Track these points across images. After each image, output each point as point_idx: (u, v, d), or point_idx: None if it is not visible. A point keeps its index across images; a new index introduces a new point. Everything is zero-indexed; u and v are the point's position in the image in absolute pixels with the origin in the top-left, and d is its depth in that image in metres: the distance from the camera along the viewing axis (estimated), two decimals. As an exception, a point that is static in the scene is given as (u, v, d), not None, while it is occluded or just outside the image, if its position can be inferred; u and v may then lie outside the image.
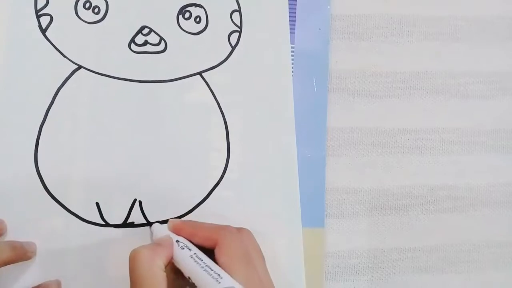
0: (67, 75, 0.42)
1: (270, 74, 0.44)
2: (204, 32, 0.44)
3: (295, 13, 0.45)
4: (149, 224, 0.41)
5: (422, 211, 0.46)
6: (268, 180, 0.43)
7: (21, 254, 0.38)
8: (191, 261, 0.35)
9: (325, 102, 0.45)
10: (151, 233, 0.40)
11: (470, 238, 0.46)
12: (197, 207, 0.42)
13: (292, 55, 0.45)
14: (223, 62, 0.44)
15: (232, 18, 0.44)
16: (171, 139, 0.42)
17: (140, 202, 0.41)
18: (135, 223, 0.41)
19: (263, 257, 0.38)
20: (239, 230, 0.39)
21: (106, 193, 0.41)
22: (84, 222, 0.40)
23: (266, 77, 0.44)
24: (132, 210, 0.41)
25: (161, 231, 0.39)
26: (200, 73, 0.43)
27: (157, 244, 0.36)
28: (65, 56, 0.42)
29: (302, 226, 0.43)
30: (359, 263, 0.45)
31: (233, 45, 0.44)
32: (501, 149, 0.48)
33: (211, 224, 0.39)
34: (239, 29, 0.44)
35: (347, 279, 0.44)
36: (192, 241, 0.37)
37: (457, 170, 0.47)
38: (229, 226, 0.39)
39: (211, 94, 0.43)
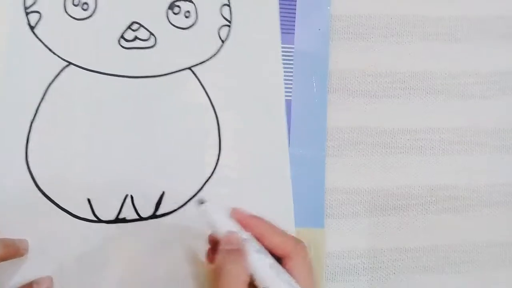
0: (57, 72, 0.42)
1: (260, 68, 0.44)
2: (193, 26, 0.44)
3: (295, 13, 0.45)
4: (141, 219, 0.41)
5: (422, 211, 0.46)
6: (259, 176, 0.43)
7: (13, 252, 0.38)
8: (272, 273, 0.31)
9: (325, 102, 0.45)
10: (202, 213, 0.35)
11: (470, 238, 0.46)
12: (188, 201, 0.42)
13: (292, 55, 0.45)
14: (213, 57, 0.44)
15: (222, 12, 0.44)
16: (162, 134, 0.42)
17: (131, 198, 0.41)
18: (126, 218, 0.41)
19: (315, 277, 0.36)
20: (306, 249, 0.35)
21: (98, 189, 0.41)
22: (75, 219, 0.40)
23: (256, 71, 0.44)
24: (124, 206, 0.41)
25: (222, 220, 0.34)
26: (190, 68, 0.43)
27: (238, 253, 0.32)
28: (54, 53, 0.42)
29: (302, 226, 0.43)
30: (359, 263, 0.45)
31: (223, 40, 0.44)
32: (501, 149, 0.48)
33: (282, 231, 0.35)
34: (229, 23, 0.44)
35: (347, 279, 0.45)
36: (261, 242, 0.34)
37: (457, 170, 0.47)
38: (300, 240, 0.35)
39: (202, 88, 0.43)
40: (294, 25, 0.45)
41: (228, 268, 0.31)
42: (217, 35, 0.44)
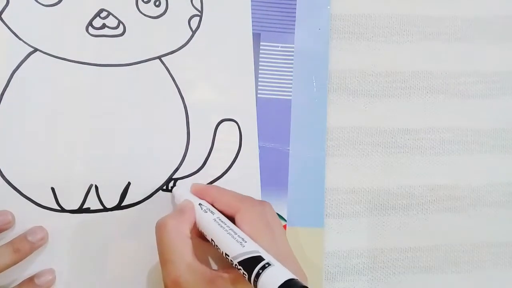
0: (22, 58, 0.41)
1: (231, 60, 0.44)
2: (164, 15, 0.43)
3: (295, 13, 0.45)
4: (105, 209, 0.41)
5: (422, 211, 0.46)
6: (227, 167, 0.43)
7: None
8: (214, 224, 0.35)
9: (325, 102, 0.45)
10: (173, 197, 0.40)
11: (470, 238, 0.46)
12: (155, 193, 0.42)
13: (292, 55, 0.45)
14: (183, 47, 0.43)
15: (193, 2, 0.44)
16: (129, 124, 0.42)
17: (96, 187, 0.41)
18: (91, 208, 0.41)
19: (283, 229, 0.38)
20: (261, 202, 0.39)
21: (62, 178, 0.41)
22: (39, 207, 0.40)
23: (227, 62, 0.44)
24: (88, 196, 0.41)
25: (183, 194, 0.39)
26: (159, 57, 0.43)
27: (180, 211, 0.36)
28: (20, 39, 0.41)
29: (302, 226, 0.43)
30: (359, 263, 0.45)
31: (193, 30, 0.44)
32: (501, 149, 0.48)
33: (234, 192, 0.39)
34: (199, 13, 0.44)
35: (347, 279, 0.45)
36: (214, 206, 0.37)
37: (457, 170, 0.47)
38: (251, 197, 0.39)
39: (171, 78, 0.43)
40: (294, 25, 0.45)
41: (168, 222, 0.35)
42: (188, 25, 0.43)
